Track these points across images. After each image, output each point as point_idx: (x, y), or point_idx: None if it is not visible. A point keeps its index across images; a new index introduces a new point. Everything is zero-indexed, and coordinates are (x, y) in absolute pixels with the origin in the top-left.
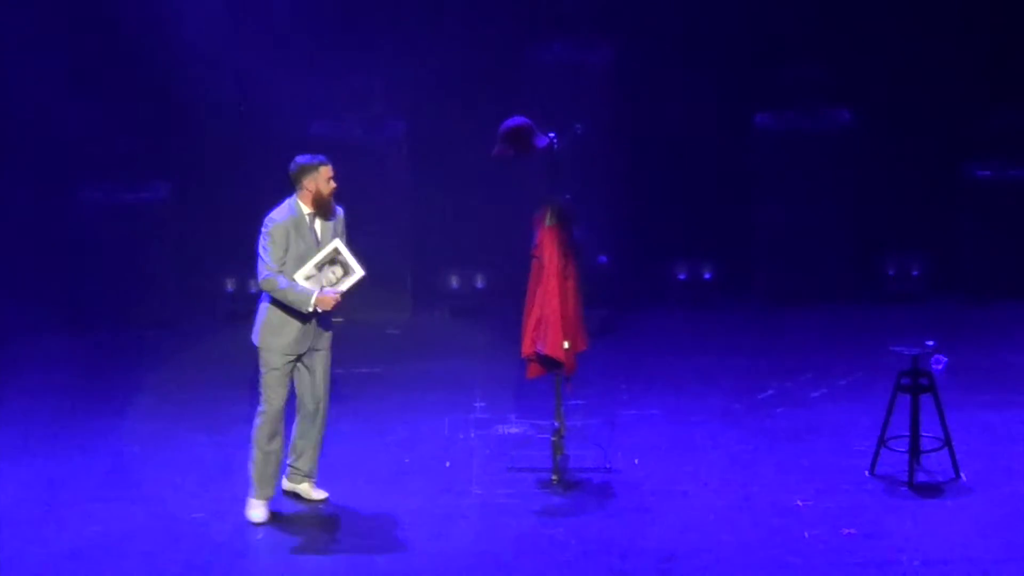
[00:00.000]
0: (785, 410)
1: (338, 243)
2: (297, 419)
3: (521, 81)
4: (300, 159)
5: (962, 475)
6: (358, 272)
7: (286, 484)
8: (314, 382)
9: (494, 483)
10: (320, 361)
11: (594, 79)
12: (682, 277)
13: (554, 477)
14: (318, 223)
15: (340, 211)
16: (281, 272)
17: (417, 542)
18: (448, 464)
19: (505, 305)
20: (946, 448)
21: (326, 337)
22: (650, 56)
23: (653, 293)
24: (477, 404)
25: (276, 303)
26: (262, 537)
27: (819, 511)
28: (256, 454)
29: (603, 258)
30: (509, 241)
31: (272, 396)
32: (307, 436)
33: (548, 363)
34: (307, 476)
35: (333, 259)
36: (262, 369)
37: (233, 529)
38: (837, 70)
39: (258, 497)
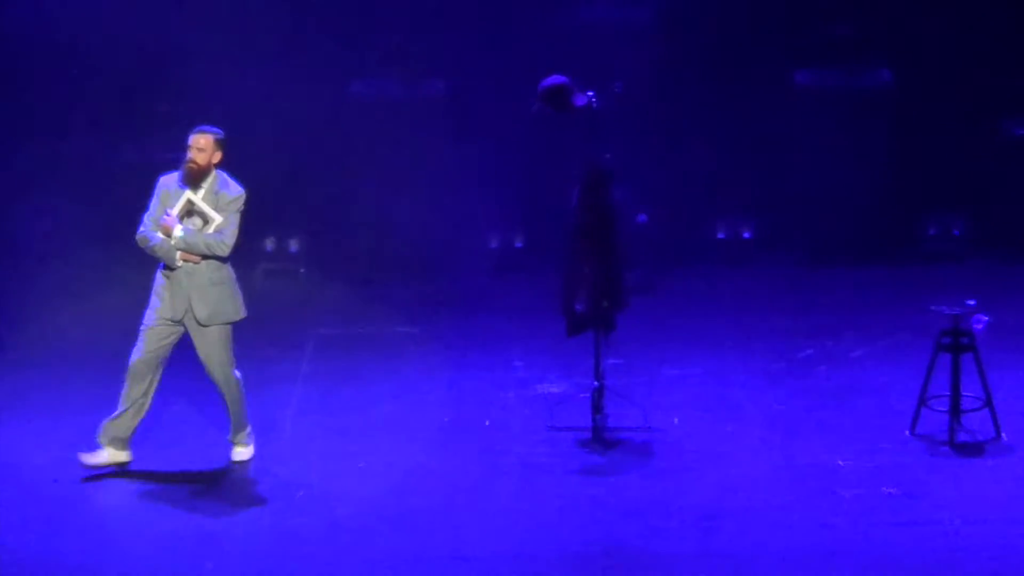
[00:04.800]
0: (826, 369)
1: (189, 192)
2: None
3: (560, 39)
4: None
5: (1003, 434)
6: (217, 218)
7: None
8: (205, 363)
9: (534, 442)
10: (201, 342)
11: (634, 38)
12: (722, 236)
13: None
14: (189, 192)
15: (237, 190)
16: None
17: (457, 501)
18: (488, 423)
19: (545, 264)
20: (987, 407)
21: (197, 317)
22: (690, 14)
23: (693, 252)
24: (517, 363)
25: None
26: (302, 495)
27: (860, 471)
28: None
29: (643, 217)
30: (548, 200)
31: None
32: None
33: (584, 321)
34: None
35: (190, 212)
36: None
37: (274, 486)
38: (875, 28)
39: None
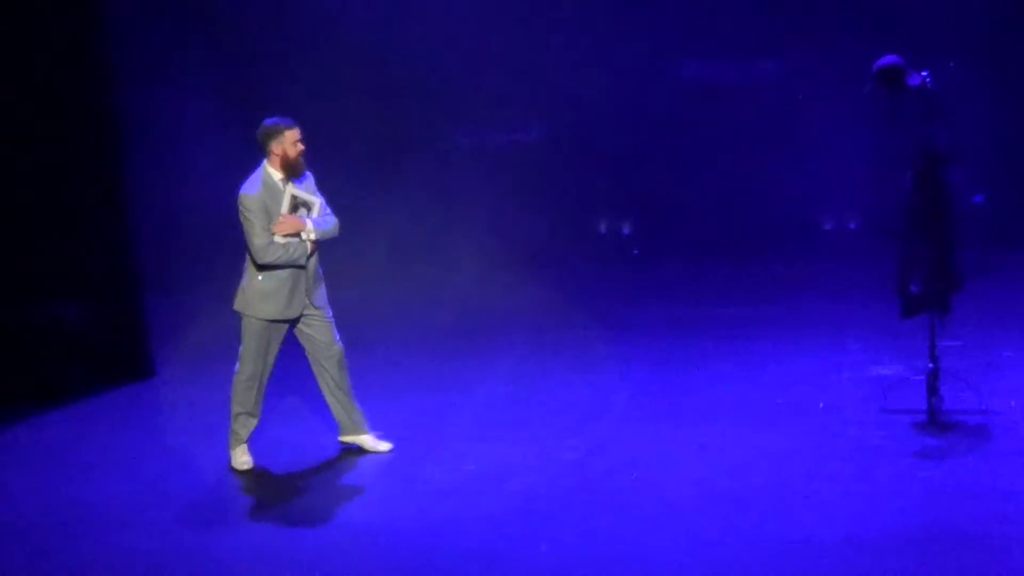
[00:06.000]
0: None
1: (289, 187)
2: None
3: (896, 17)
4: (266, 122)
5: None
6: (318, 200)
7: (344, 437)
8: (320, 344)
9: (868, 425)
10: (318, 325)
11: (969, 15)
12: None
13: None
14: (290, 187)
15: (309, 175)
16: (271, 241)
17: (790, 483)
18: (822, 405)
19: (881, 246)
20: None
21: (317, 300)
22: None
23: None
24: (851, 345)
25: (269, 272)
26: (636, 476)
27: None
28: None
29: (979, 198)
30: (883, 182)
31: (251, 360)
32: (335, 394)
33: (919, 303)
34: (361, 428)
35: (296, 206)
36: (244, 335)
37: (608, 468)
38: None
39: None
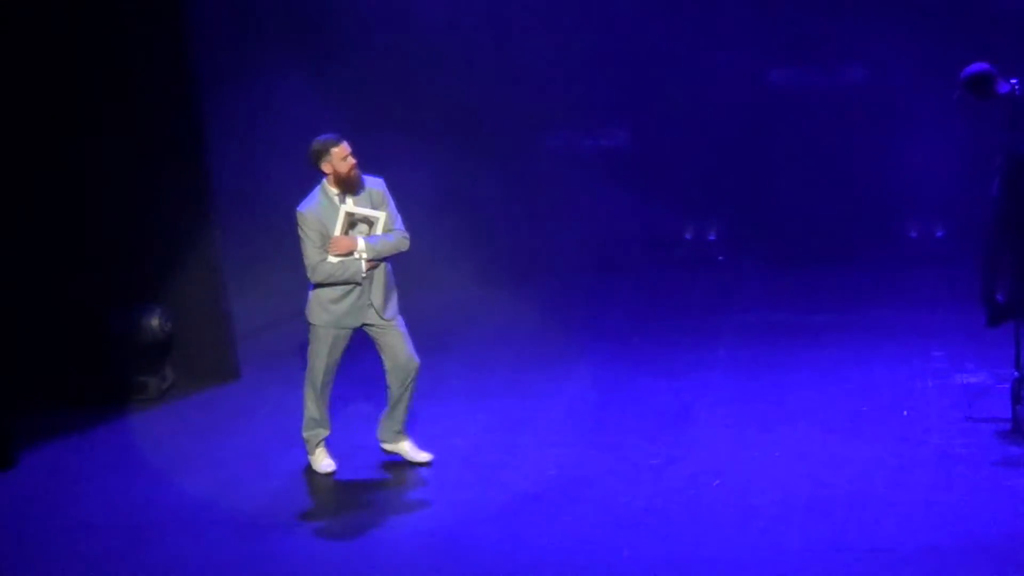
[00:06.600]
0: None
1: (346, 205)
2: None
3: (983, 25)
4: (314, 142)
5: None
6: (380, 215)
7: (386, 446)
8: (402, 359)
9: (951, 432)
10: (388, 337)
11: None
12: None
13: (1013, 427)
14: (349, 201)
15: (377, 182)
16: (324, 259)
17: (873, 491)
18: (905, 413)
19: (965, 253)
20: None
21: (387, 313)
22: None
23: None
24: (935, 353)
25: (325, 287)
26: (719, 483)
27: None
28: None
29: None
30: (970, 189)
31: (317, 370)
32: (397, 404)
33: (1005, 311)
34: (403, 435)
35: (353, 223)
36: (310, 344)
37: (690, 475)
38: None
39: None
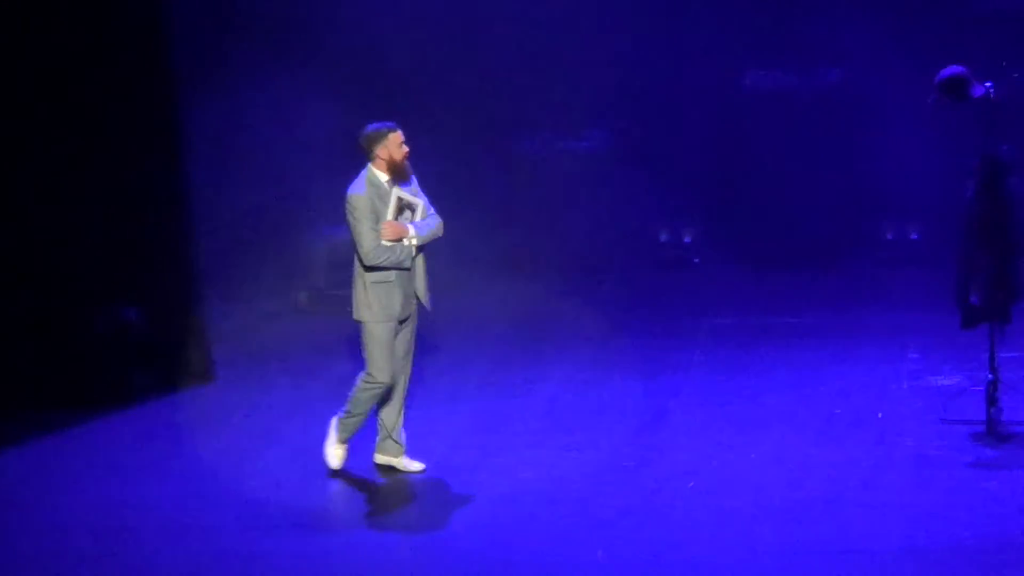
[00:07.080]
0: None
1: (396, 189)
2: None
3: (958, 29)
4: (369, 127)
5: None
6: (420, 202)
7: (379, 458)
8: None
9: (926, 434)
10: (403, 336)
11: None
12: None
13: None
14: (396, 189)
15: (412, 176)
16: (379, 244)
17: (848, 493)
18: (880, 415)
19: (940, 255)
20: None
21: (414, 307)
22: None
23: None
24: (910, 355)
25: (378, 273)
26: (693, 484)
27: None
28: (354, 418)
29: None
30: (943, 191)
31: (383, 367)
32: (393, 409)
33: (980, 313)
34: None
35: (401, 208)
36: (367, 343)
37: (665, 476)
38: None
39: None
